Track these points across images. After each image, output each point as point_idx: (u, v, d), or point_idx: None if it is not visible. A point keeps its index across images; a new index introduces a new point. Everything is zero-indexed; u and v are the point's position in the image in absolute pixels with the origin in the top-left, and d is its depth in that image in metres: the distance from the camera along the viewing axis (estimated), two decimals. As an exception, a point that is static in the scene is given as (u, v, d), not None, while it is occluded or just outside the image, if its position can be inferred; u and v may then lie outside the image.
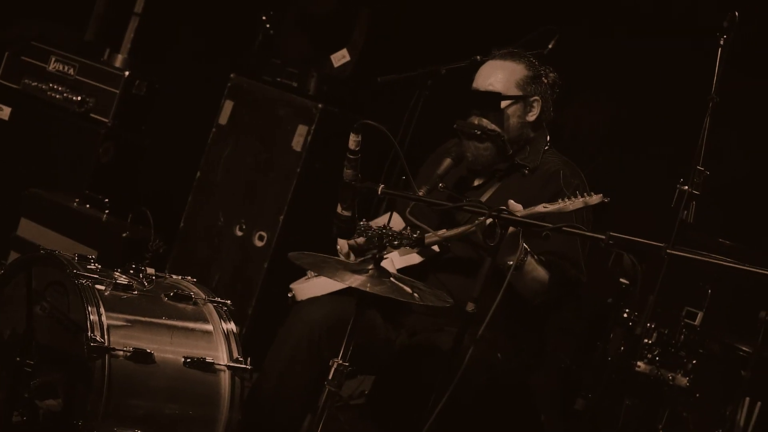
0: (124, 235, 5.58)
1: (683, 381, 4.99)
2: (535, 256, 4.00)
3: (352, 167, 3.58)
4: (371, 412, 4.36)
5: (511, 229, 3.60)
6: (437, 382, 3.53)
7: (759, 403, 5.20)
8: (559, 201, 3.80)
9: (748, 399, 5.18)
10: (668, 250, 3.00)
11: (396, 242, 3.56)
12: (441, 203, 3.73)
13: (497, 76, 4.34)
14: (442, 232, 4.19)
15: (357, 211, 3.62)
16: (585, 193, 3.78)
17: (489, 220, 3.49)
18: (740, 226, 5.71)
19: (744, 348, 5.00)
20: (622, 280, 3.16)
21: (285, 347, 4.17)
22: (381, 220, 4.49)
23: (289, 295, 4.44)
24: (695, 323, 5.03)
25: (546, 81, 4.39)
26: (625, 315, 5.11)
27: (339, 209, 3.65)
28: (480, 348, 4.02)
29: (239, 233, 6.06)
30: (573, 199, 3.78)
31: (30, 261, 3.89)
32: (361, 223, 3.69)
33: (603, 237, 3.13)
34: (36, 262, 3.89)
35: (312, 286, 4.35)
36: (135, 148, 6.48)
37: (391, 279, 3.56)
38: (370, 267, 3.56)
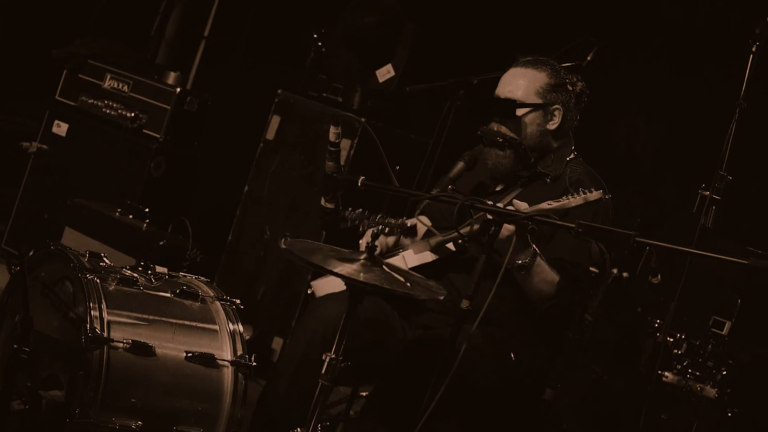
0: (161, 243, 5.69)
1: (712, 392, 4.90)
2: (545, 260, 3.98)
3: (334, 159, 3.63)
4: (374, 411, 4.35)
5: (506, 228, 3.63)
6: (435, 378, 3.54)
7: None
8: (563, 198, 3.81)
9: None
10: (636, 239, 2.97)
11: (387, 230, 3.58)
12: (420, 194, 3.75)
13: (517, 83, 4.32)
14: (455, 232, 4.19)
15: (340, 202, 3.66)
16: (585, 190, 3.78)
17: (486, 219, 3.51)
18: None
19: (775, 358, 4.91)
20: (591, 269, 3.15)
21: (299, 344, 4.19)
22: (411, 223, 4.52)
23: (309, 291, 4.49)
24: (723, 333, 4.94)
25: (571, 89, 4.35)
26: (656, 325, 5.06)
27: (323, 202, 3.70)
28: (489, 346, 4.03)
29: (284, 246, 6.11)
30: (575, 195, 3.79)
31: (37, 256, 4.00)
32: (357, 211, 3.72)
33: (573, 225, 3.12)
34: (44, 258, 4.01)
35: (331, 283, 4.38)
36: (186, 163, 6.63)
37: (383, 268, 3.57)
38: (362, 256, 3.58)
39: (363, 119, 3.59)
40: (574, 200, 3.78)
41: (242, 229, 6.36)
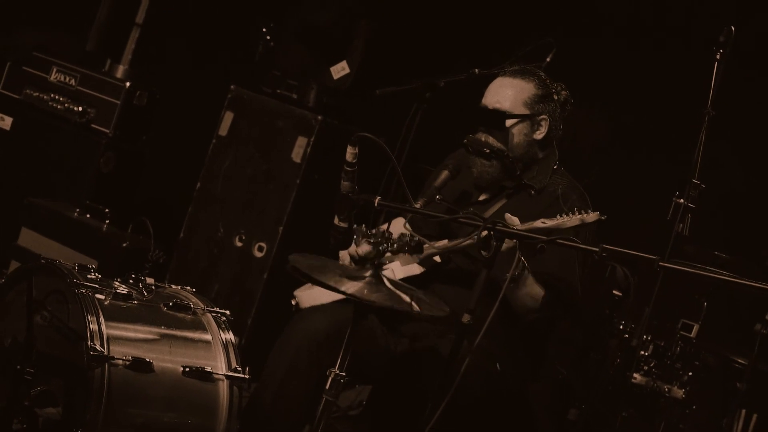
0: (124, 245, 5.62)
1: (679, 393, 5.02)
2: (532, 273, 4.03)
3: (350, 179, 3.63)
4: (370, 420, 4.37)
5: (507, 242, 3.65)
6: (435, 392, 3.56)
7: (755, 416, 5.23)
8: (557, 217, 3.83)
9: (744, 411, 5.20)
10: (660, 263, 3.02)
11: (395, 246, 3.59)
12: (438, 215, 3.76)
13: (505, 93, 4.34)
14: (443, 243, 4.21)
15: (353, 222, 3.66)
16: (582, 211, 3.81)
17: (485, 233, 3.53)
18: (742, 239, 5.74)
19: (740, 360, 5.03)
20: (615, 291, 3.20)
21: (284, 356, 4.18)
22: (394, 225, 4.51)
23: (293, 302, 4.46)
24: (691, 335, 5.06)
25: (557, 99, 4.39)
26: (621, 327, 5.15)
27: (336, 221, 3.69)
28: (479, 358, 4.06)
29: (239, 244, 6.09)
30: (570, 215, 3.81)
31: (31, 270, 3.92)
32: (363, 228, 3.71)
33: (596, 249, 3.16)
34: (37, 272, 3.93)
35: (316, 293, 4.35)
36: (136, 159, 6.52)
37: (389, 286, 3.57)
38: (368, 274, 3.57)
39: (379, 139, 3.55)
40: (570, 221, 3.79)
41: (195, 226, 6.29)
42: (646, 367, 5.07)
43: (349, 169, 3.64)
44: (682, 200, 4.62)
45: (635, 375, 5.01)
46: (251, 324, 5.97)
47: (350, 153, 3.62)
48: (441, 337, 4.19)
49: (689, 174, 4.68)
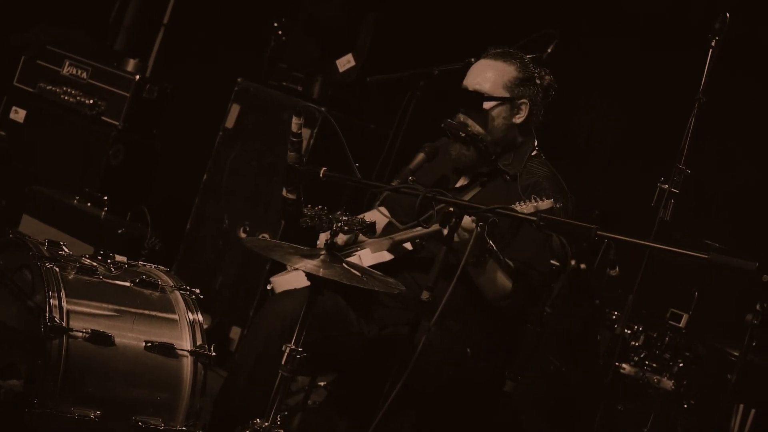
0: (119, 231, 5.67)
1: (668, 384, 4.94)
2: (503, 260, 4.00)
3: (296, 150, 3.63)
4: (333, 404, 4.36)
5: (466, 219, 3.62)
6: (394, 371, 3.55)
7: (753, 411, 5.14)
8: (516, 204, 3.82)
9: (741, 406, 5.12)
10: (598, 232, 2.98)
11: (346, 228, 3.59)
12: (381, 186, 3.75)
13: (486, 75, 4.30)
14: (418, 230, 4.20)
15: (302, 193, 3.66)
16: (537, 199, 3.80)
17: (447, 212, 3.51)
18: (748, 232, 5.67)
19: (731, 351, 4.94)
20: (552, 261, 3.17)
21: (257, 339, 4.20)
22: (370, 215, 4.51)
23: (269, 287, 4.47)
24: (680, 325, 4.98)
25: (539, 83, 4.34)
26: (614, 317, 5.10)
27: (284, 192, 3.69)
28: (448, 341, 4.04)
29: (243, 235, 6.11)
30: (526, 203, 3.81)
31: (-4, 244, 3.97)
32: (317, 208, 3.73)
33: (535, 219, 3.14)
34: (3, 246, 3.97)
35: (290, 279, 4.38)
36: (145, 151, 6.59)
37: (342, 264, 3.59)
38: (322, 252, 3.59)
39: (323, 109, 3.56)
40: (526, 208, 3.80)
41: (201, 218, 6.34)
42: (636, 358, 5.00)
43: (294, 140, 3.64)
44: (666, 186, 4.59)
45: (624, 365, 4.94)
46: (254, 314, 5.98)
47: (295, 124, 3.63)
48: (407, 324, 4.17)
49: (675, 159, 4.65)
